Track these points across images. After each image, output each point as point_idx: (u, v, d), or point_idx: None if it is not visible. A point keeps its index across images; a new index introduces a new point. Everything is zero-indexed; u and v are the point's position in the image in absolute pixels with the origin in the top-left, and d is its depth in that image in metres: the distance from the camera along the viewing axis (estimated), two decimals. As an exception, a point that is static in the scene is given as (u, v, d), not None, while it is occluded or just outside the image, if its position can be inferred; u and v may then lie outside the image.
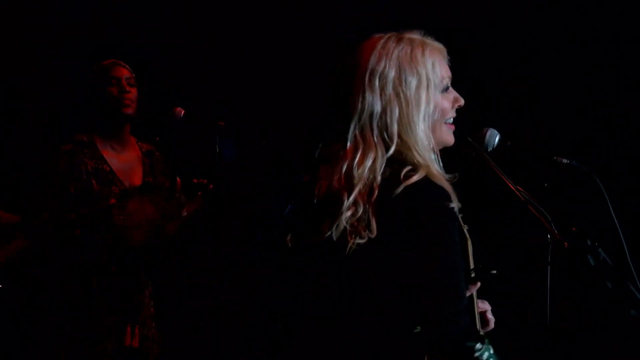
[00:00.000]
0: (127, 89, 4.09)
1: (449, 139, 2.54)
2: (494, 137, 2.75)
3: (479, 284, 2.64)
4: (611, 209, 2.71)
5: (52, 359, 4.01)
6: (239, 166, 4.46)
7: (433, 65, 2.46)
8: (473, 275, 2.62)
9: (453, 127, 2.55)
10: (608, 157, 5.65)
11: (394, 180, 2.34)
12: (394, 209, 2.31)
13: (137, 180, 4.16)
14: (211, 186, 4.04)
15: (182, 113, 4.08)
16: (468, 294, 2.59)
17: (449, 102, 2.50)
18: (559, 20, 6.01)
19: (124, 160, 4.17)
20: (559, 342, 5.08)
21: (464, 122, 2.63)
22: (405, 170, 2.34)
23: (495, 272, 2.66)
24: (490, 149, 2.74)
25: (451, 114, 2.52)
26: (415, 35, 2.48)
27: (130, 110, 4.09)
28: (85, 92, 4.15)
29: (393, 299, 2.33)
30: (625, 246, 2.68)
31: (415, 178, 2.32)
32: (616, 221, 2.71)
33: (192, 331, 5.77)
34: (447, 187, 2.35)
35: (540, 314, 3.31)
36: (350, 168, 2.37)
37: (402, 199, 2.31)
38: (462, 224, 2.65)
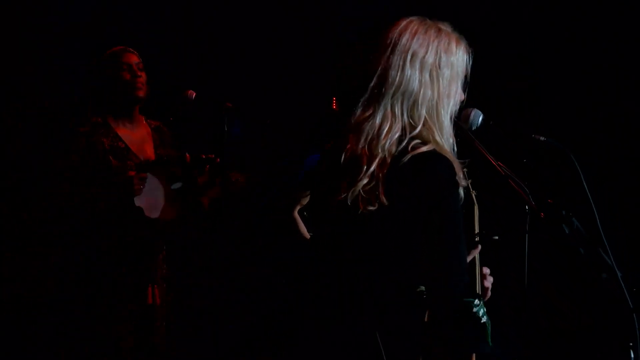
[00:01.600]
0: (138, 73, 4.13)
1: None
2: (478, 117, 2.72)
3: (479, 247, 2.64)
4: (584, 181, 2.68)
5: (83, 316, 4.03)
6: (246, 142, 4.45)
7: (463, 61, 2.43)
8: (477, 239, 2.61)
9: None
10: (607, 156, 5.52)
11: (403, 152, 2.30)
12: (401, 177, 2.28)
13: (150, 153, 4.19)
14: (218, 160, 4.05)
15: (194, 95, 4.09)
16: (470, 257, 2.59)
17: (461, 97, 2.47)
18: (559, 20, 5.89)
19: (136, 137, 4.20)
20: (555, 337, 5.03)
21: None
22: (413, 142, 2.31)
23: (496, 237, 2.65)
24: (474, 127, 2.71)
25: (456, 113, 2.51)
26: (449, 29, 2.44)
27: (141, 93, 4.14)
28: (98, 77, 4.17)
29: (398, 258, 2.31)
30: (596, 215, 2.66)
31: (423, 149, 2.29)
32: (588, 193, 2.68)
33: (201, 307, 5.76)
34: (456, 162, 2.33)
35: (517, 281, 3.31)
36: (374, 138, 2.34)
37: (409, 168, 2.28)
38: (471, 189, 2.64)
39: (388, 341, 2.30)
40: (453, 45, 2.41)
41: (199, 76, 5.07)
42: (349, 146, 2.37)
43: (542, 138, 2.77)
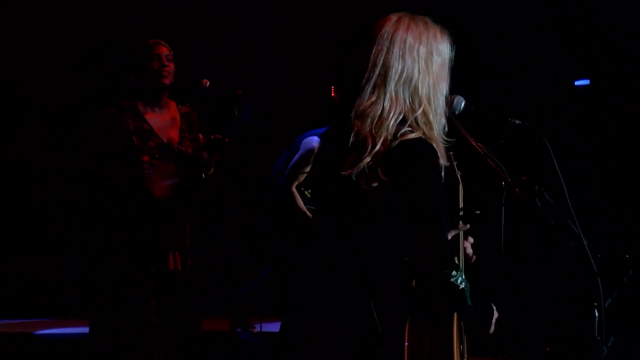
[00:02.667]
0: (167, 63, 4.13)
1: None
2: (460, 103, 2.70)
3: (468, 225, 2.64)
4: (554, 160, 2.68)
5: (110, 279, 4.03)
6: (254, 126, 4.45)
7: (448, 50, 2.44)
8: (461, 214, 2.62)
9: None
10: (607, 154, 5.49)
11: (396, 137, 2.31)
12: (392, 160, 2.29)
13: (174, 135, 4.18)
14: (227, 140, 4.05)
15: (208, 84, 4.14)
16: (455, 231, 2.60)
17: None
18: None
19: (163, 120, 4.19)
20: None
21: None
22: (403, 129, 2.31)
23: (478, 212, 2.65)
24: (457, 112, 2.70)
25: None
26: (437, 24, 2.45)
27: (167, 81, 4.13)
28: (131, 64, 4.17)
29: (390, 231, 2.32)
30: (565, 191, 2.66)
31: (410, 136, 2.30)
32: (559, 171, 2.68)
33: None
34: (440, 147, 2.33)
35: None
36: (380, 121, 2.34)
37: (398, 153, 2.28)
38: (456, 170, 2.64)
39: (379, 303, 2.31)
40: (439, 35, 2.43)
41: (213, 67, 5.03)
42: (356, 129, 2.36)
43: (517, 121, 2.77)
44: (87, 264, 4.11)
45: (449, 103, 2.69)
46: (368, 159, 2.31)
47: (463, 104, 2.71)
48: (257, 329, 5.61)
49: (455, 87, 2.64)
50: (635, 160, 5.43)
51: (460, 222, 2.64)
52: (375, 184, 2.29)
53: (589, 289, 2.66)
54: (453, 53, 2.47)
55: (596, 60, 5.62)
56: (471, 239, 2.70)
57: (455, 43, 2.44)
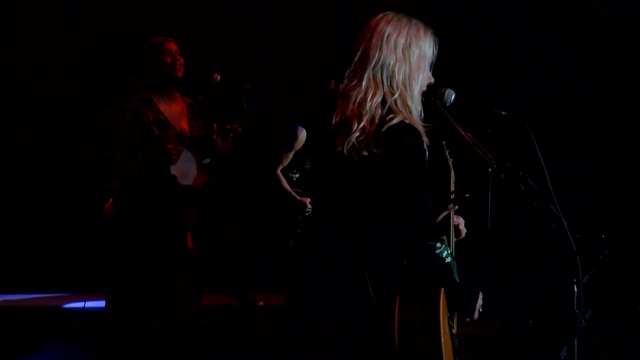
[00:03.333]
0: (177, 57, 4.17)
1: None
2: (451, 95, 2.72)
3: (457, 206, 2.67)
4: (537, 148, 2.70)
5: (130, 257, 4.07)
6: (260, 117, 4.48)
7: (429, 45, 2.52)
8: (452, 197, 2.64)
9: (423, 97, 2.58)
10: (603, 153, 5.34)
11: (384, 119, 2.39)
12: (382, 139, 2.34)
13: (184, 125, 4.20)
14: (240, 129, 4.09)
15: (218, 78, 4.20)
16: (446, 212, 2.63)
17: (428, 79, 2.56)
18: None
19: (174, 111, 4.22)
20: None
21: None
22: (389, 116, 2.39)
23: (467, 195, 2.69)
24: (447, 104, 2.72)
25: (424, 87, 2.57)
26: (420, 21, 2.54)
27: (179, 74, 4.17)
28: (145, 60, 4.19)
29: (379, 207, 2.35)
30: (547, 176, 2.67)
31: (394, 121, 2.35)
32: (541, 158, 2.70)
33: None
34: (420, 128, 2.39)
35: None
36: (362, 102, 2.40)
37: (387, 135, 2.36)
38: (448, 158, 2.67)
39: (374, 277, 2.33)
40: (421, 32, 2.52)
41: (223, 63, 5.04)
42: (339, 109, 2.43)
43: (503, 112, 2.78)
44: (110, 244, 4.13)
45: (440, 96, 2.72)
46: (357, 134, 2.37)
47: (453, 97, 2.73)
48: (263, 303, 5.63)
49: (453, 84, 2.68)
50: (635, 160, 5.24)
51: (451, 203, 2.67)
52: (366, 154, 2.35)
53: (568, 266, 2.68)
54: (435, 51, 2.55)
55: (596, 60, 5.46)
56: (461, 219, 2.73)
57: (456, 43, 2.48)
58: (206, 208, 4.40)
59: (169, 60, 4.13)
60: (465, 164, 2.93)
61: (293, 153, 4.40)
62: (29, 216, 6.21)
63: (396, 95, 2.42)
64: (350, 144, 2.39)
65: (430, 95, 2.66)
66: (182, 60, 4.17)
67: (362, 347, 2.33)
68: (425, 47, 2.50)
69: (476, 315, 2.48)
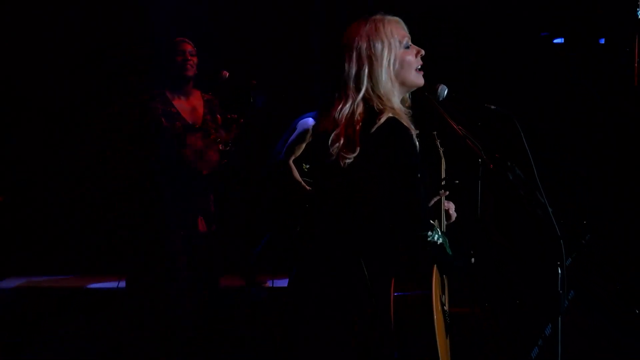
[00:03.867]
0: (189, 58, 4.29)
1: (419, 81, 2.58)
2: (444, 91, 2.75)
3: (447, 192, 2.69)
4: (524, 140, 2.72)
5: (149, 237, 4.12)
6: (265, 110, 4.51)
7: (392, 32, 2.51)
8: (443, 183, 2.66)
9: (422, 72, 2.58)
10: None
11: (370, 121, 2.39)
12: (372, 139, 2.35)
13: (197, 118, 4.30)
14: (242, 120, 4.16)
15: (227, 75, 4.24)
16: (437, 198, 2.65)
17: (412, 55, 2.53)
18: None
19: (188, 105, 4.33)
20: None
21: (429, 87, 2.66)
22: (377, 115, 2.39)
23: (457, 181, 2.71)
24: (441, 99, 2.74)
25: (417, 63, 2.56)
26: (378, 16, 2.55)
27: (190, 72, 4.30)
28: (161, 59, 4.34)
29: (373, 199, 2.37)
30: (533, 166, 2.70)
31: (382, 119, 2.36)
32: (527, 148, 2.72)
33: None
34: (406, 121, 2.40)
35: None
36: (335, 113, 2.42)
37: (377, 133, 2.37)
38: (439, 147, 2.69)
39: (369, 263, 2.35)
40: (379, 25, 2.51)
41: (232, 60, 5.06)
42: (321, 124, 2.45)
43: (492, 106, 2.80)
44: (130, 226, 4.20)
45: (434, 91, 2.74)
46: (337, 144, 2.39)
47: (446, 92, 2.75)
48: (269, 284, 5.67)
49: (452, 82, 2.70)
50: (635, 160, 5.10)
51: (442, 189, 2.69)
52: (350, 159, 2.36)
53: (552, 250, 2.70)
54: (405, 28, 2.56)
55: (596, 60, 5.37)
56: (452, 204, 2.76)
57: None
58: (220, 195, 4.45)
59: (180, 60, 4.25)
60: (455, 154, 2.95)
61: (305, 144, 4.41)
62: (53, 201, 6.17)
63: (372, 97, 2.44)
64: (334, 154, 2.40)
65: (424, 91, 2.68)
66: (193, 61, 4.30)
67: (362, 347, 2.33)
68: (387, 37, 2.49)
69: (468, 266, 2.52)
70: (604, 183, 5.15)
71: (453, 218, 2.78)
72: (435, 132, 2.70)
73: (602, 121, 5.21)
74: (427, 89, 2.69)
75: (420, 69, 2.58)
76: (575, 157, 5.32)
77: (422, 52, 2.56)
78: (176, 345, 4.04)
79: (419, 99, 2.66)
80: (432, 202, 2.71)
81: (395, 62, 2.49)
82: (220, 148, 4.25)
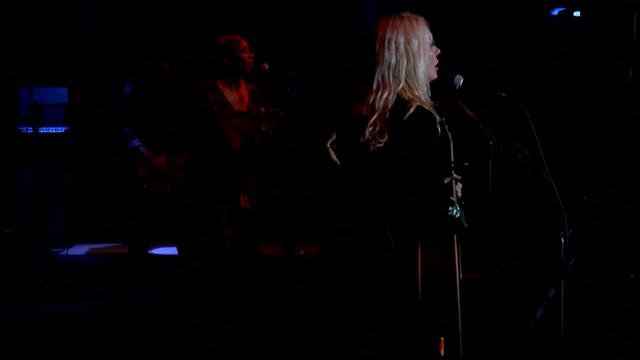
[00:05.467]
0: (250, 54, 4.23)
1: (435, 76, 2.62)
2: (460, 80, 2.74)
3: (459, 177, 2.69)
4: (531, 123, 2.70)
5: (192, 213, 4.13)
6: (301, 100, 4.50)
7: (424, 30, 2.54)
8: (453, 165, 2.66)
9: (437, 68, 2.62)
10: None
11: (401, 109, 2.38)
12: (402, 126, 2.35)
13: (244, 107, 4.27)
14: (282, 113, 4.15)
15: (267, 67, 4.24)
16: (449, 178, 2.65)
17: (433, 52, 2.54)
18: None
19: (236, 95, 4.29)
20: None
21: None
22: (407, 105, 2.41)
23: (466, 164, 2.70)
24: (457, 87, 2.73)
25: (436, 60, 2.61)
26: (408, 13, 2.53)
27: (250, 70, 4.24)
28: (221, 54, 4.23)
29: (399, 179, 2.36)
30: (539, 147, 2.67)
31: (412, 109, 2.35)
32: (535, 132, 2.70)
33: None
34: (432, 109, 2.40)
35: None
36: (373, 101, 2.41)
37: (408, 120, 2.39)
38: (448, 131, 2.68)
39: (398, 235, 2.35)
40: (414, 23, 2.54)
41: (269, 53, 5.05)
42: (356, 109, 2.43)
43: (503, 94, 2.78)
44: (180, 200, 4.26)
45: (451, 81, 2.72)
46: (370, 128, 2.38)
47: (462, 81, 2.73)
48: (304, 252, 5.69)
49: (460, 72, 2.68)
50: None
51: (453, 171, 2.68)
52: (380, 144, 2.35)
53: (556, 222, 2.68)
54: (430, 33, 2.57)
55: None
56: (459, 184, 2.75)
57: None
58: (259, 174, 4.47)
59: (245, 56, 4.19)
60: (469, 136, 2.92)
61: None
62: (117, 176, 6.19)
63: (405, 87, 2.44)
64: (367, 138, 2.40)
65: (442, 81, 2.67)
66: (252, 57, 4.25)
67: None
68: (421, 34, 2.51)
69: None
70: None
71: (459, 196, 2.77)
72: (443, 119, 2.69)
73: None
74: (444, 79, 2.68)
75: (436, 66, 2.61)
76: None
77: (439, 51, 2.57)
78: (215, 305, 4.10)
79: (434, 88, 2.66)
80: (446, 181, 2.71)
81: (427, 57, 2.50)
82: (263, 132, 4.25)
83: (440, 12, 4.85)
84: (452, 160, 2.70)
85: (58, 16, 6.72)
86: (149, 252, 5.35)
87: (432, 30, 2.61)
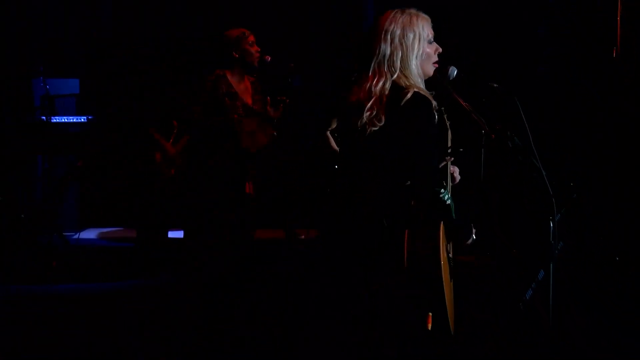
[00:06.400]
0: (257, 48, 4.23)
1: (431, 72, 2.58)
2: (454, 72, 2.72)
3: (453, 158, 2.68)
4: (522, 113, 2.70)
5: (205, 199, 4.22)
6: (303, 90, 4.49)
7: (423, 27, 2.52)
8: (449, 151, 2.66)
9: (436, 65, 2.59)
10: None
11: (397, 95, 2.39)
12: (399, 111, 2.35)
13: (248, 98, 4.29)
14: (287, 101, 4.16)
15: (269, 59, 4.25)
16: (445, 162, 2.64)
17: (432, 50, 2.55)
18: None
19: (242, 86, 4.32)
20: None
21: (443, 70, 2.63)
22: (404, 90, 2.40)
23: (461, 149, 2.70)
24: (451, 78, 2.72)
25: (434, 58, 2.57)
26: (413, 10, 2.54)
27: (257, 61, 4.24)
28: (230, 47, 4.24)
29: (395, 162, 2.37)
30: (530, 136, 2.67)
31: (409, 95, 2.36)
32: (525, 121, 2.70)
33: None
34: (429, 96, 2.40)
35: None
36: (370, 87, 2.42)
37: (405, 105, 2.37)
38: (446, 119, 2.68)
39: (388, 216, 2.35)
40: (413, 19, 2.51)
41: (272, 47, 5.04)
42: (355, 94, 2.44)
43: (495, 85, 2.77)
44: (192, 186, 4.31)
45: (445, 72, 2.71)
46: (368, 113, 2.39)
47: (455, 73, 2.72)
48: (303, 236, 5.70)
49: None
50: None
51: (448, 156, 2.67)
52: (376, 127, 2.36)
53: (545, 206, 2.68)
54: (431, 29, 2.54)
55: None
56: (456, 168, 2.75)
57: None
58: (265, 163, 4.49)
59: (253, 50, 4.20)
60: (463, 125, 2.91)
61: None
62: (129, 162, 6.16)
63: (401, 76, 2.44)
64: (364, 121, 2.40)
65: (437, 72, 2.66)
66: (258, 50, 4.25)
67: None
68: (419, 30, 2.50)
69: (470, 242, 2.50)
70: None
71: (457, 180, 2.77)
72: (443, 108, 2.68)
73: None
74: (439, 70, 2.67)
75: (435, 63, 2.58)
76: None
77: (440, 49, 2.57)
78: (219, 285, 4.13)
79: (430, 79, 2.65)
80: (441, 165, 2.71)
81: (422, 53, 2.49)
82: (271, 122, 4.25)
83: (441, 12, 4.76)
84: (449, 146, 2.70)
85: (70, 11, 6.70)
86: (165, 234, 5.36)
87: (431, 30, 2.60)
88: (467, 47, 5.35)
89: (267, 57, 4.24)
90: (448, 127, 2.72)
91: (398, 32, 2.47)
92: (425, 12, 2.59)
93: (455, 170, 2.75)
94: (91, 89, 6.48)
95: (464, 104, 2.66)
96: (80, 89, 6.42)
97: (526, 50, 5.43)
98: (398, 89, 2.41)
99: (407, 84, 2.42)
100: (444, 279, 2.33)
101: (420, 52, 2.49)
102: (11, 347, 3.56)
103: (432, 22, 2.59)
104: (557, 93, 5.18)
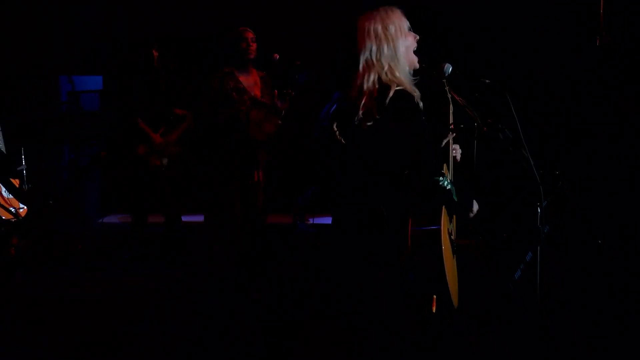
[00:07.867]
0: (251, 44, 4.29)
1: (415, 60, 2.53)
2: (449, 68, 2.70)
3: (454, 134, 2.66)
4: (512, 107, 2.69)
5: (214, 186, 4.24)
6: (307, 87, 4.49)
7: (400, 18, 2.48)
8: (451, 127, 2.63)
9: (416, 56, 2.55)
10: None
11: (383, 93, 2.36)
12: (387, 108, 2.33)
13: (257, 92, 4.33)
14: (293, 94, 4.18)
15: (277, 57, 4.24)
16: (447, 138, 2.61)
17: (412, 37, 2.50)
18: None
19: (250, 81, 4.36)
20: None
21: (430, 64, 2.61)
22: (388, 89, 2.36)
23: (462, 125, 2.68)
24: (446, 75, 2.70)
25: (414, 45, 2.52)
26: (386, 7, 2.51)
27: (251, 56, 4.31)
28: (229, 45, 4.33)
29: (391, 152, 2.35)
30: (519, 128, 2.67)
31: (391, 92, 2.34)
32: (515, 115, 2.69)
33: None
34: (413, 91, 2.36)
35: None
36: (361, 84, 2.39)
37: (390, 104, 2.34)
38: (448, 92, 2.64)
39: (388, 208, 2.33)
40: (390, 12, 2.48)
41: (279, 45, 5.03)
42: (350, 94, 2.42)
43: (487, 81, 2.76)
44: (205, 177, 4.36)
45: (441, 69, 2.70)
46: (361, 111, 2.36)
47: (450, 69, 2.71)
48: (311, 221, 5.72)
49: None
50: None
51: (450, 132, 2.64)
52: (370, 122, 2.33)
53: (533, 194, 2.68)
54: (407, 21, 2.50)
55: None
56: (457, 146, 2.72)
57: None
58: (273, 152, 4.51)
59: (244, 46, 4.27)
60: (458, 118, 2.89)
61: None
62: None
63: (386, 69, 2.40)
64: (360, 117, 2.38)
65: (432, 69, 2.64)
66: (254, 46, 4.32)
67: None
68: (397, 21, 2.47)
69: (473, 213, 2.48)
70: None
71: (458, 159, 2.75)
72: (444, 80, 2.64)
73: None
74: (435, 67, 2.65)
75: (414, 51, 2.53)
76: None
77: (418, 37, 2.53)
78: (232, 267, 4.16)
79: (425, 75, 2.62)
80: (443, 143, 2.67)
81: (404, 42, 2.47)
82: (278, 113, 4.28)
83: (440, 12, 4.73)
84: (451, 122, 2.67)
85: (93, 13, 6.71)
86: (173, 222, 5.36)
87: (431, 30, 2.57)
88: (467, 47, 5.25)
89: (275, 55, 4.27)
90: (450, 100, 2.68)
91: (379, 26, 2.44)
92: (425, 12, 2.57)
93: (457, 150, 2.72)
94: (112, 85, 6.52)
95: (458, 98, 2.65)
96: (103, 85, 6.47)
97: (526, 50, 5.31)
98: (383, 85, 2.37)
99: (391, 78, 2.37)
100: (445, 261, 2.30)
101: (402, 40, 2.46)
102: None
103: (430, 22, 2.57)
104: (557, 93, 5.06)
